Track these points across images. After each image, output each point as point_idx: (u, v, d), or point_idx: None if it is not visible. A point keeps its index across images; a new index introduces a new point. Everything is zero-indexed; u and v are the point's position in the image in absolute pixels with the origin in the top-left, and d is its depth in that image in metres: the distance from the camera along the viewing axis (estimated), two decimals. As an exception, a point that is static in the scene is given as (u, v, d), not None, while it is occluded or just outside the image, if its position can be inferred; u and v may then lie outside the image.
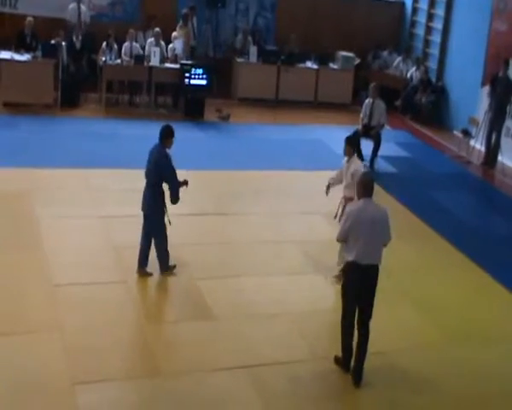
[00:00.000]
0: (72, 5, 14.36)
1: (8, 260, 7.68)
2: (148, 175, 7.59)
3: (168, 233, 7.73)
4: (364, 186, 6.29)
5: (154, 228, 7.69)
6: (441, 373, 6.67)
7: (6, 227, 8.45)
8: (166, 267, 7.80)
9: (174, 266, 7.87)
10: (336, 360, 6.54)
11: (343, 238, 6.35)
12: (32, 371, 5.96)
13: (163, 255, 7.76)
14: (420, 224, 10.09)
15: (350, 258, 6.24)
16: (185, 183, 7.65)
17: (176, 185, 7.54)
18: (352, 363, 6.41)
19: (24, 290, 7.16)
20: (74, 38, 13.87)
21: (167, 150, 7.55)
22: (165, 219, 7.66)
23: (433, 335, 7.32)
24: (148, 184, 7.60)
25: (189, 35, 14.90)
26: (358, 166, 8.10)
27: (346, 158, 8.24)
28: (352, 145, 8.22)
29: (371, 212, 6.23)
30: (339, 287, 7.73)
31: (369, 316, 6.34)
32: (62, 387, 5.82)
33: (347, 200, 7.97)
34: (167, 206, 7.65)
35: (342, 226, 6.32)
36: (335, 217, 8.22)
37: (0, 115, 12.44)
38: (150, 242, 7.73)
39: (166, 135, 7.54)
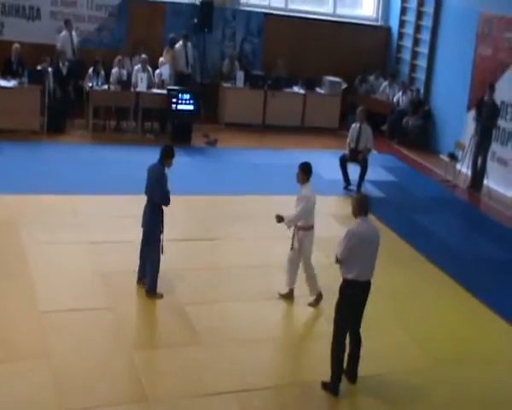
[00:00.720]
0: (64, 33, 14.41)
1: (-6, 287, 7.62)
2: (147, 192, 7.70)
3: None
4: (361, 205, 6.39)
5: (151, 244, 7.74)
6: (433, 395, 6.66)
7: (-8, 254, 8.40)
8: (154, 286, 7.79)
9: (161, 296, 7.84)
10: (324, 385, 6.50)
11: (345, 258, 6.32)
12: (20, 398, 5.89)
13: (154, 272, 7.77)
14: (407, 247, 10.13)
15: (349, 276, 6.32)
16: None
17: (165, 196, 7.60)
18: (345, 368, 6.53)
19: (10, 317, 7.09)
20: (61, 64, 13.90)
21: (166, 170, 7.68)
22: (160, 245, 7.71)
23: (425, 358, 7.30)
24: (148, 200, 7.71)
25: (175, 60, 14.96)
26: (305, 194, 7.75)
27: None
28: (305, 172, 7.78)
29: (369, 230, 6.38)
30: (325, 312, 7.80)
31: (360, 325, 6.54)
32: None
33: (299, 229, 7.85)
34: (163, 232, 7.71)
35: (345, 246, 6.28)
36: (291, 248, 8.01)
37: (-15, 141, 12.40)
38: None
39: (167, 155, 7.70)
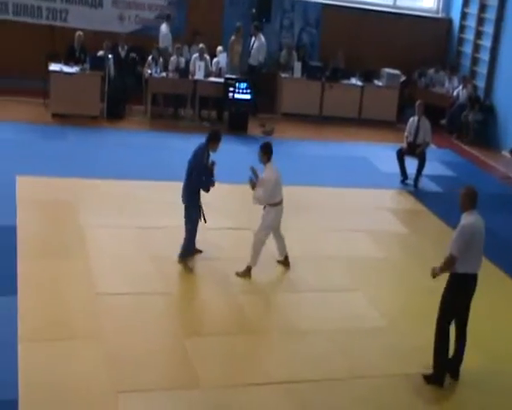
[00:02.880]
0: (164, 28, 14.56)
1: (53, 266, 7.79)
2: (187, 169, 8.00)
3: (210, 247, 7.74)
4: (470, 198, 6.45)
5: (188, 216, 8.04)
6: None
7: (52, 235, 8.60)
8: (185, 256, 8.11)
9: (191, 269, 8.09)
10: (427, 378, 6.55)
11: (461, 254, 6.31)
12: (74, 377, 6.02)
13: (188, 242, 8.07)
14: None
15: (461, 270, 6.36)
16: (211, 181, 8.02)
17: (199, 179, 7.92)
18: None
19: (67, 297, 7.25)
20: (120, 49, 14.08)
21: (210, 152, 7.97)
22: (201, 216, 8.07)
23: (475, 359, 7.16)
24: (186, 175, 8.00)
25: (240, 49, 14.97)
26: (268, 174, 7.91)
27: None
28: (265, 152, 7.96)
29: (479, 223, 6.44)
30: (380, 305, 7.71)
31: (467, 319, 6.61)
32: (104, 394, 5.86)
33: (266, 205, 8.06)
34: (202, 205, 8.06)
35: (461, 242, 6.30)
36: None
37: (48, 126, 12.67)
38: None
39: (213, 138, 7.96)
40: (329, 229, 9.81)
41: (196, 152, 8.04)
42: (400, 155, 12.20)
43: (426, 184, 12.15)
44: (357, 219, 10.24)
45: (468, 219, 6.38)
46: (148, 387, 6.05)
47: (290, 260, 8.60)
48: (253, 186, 8.01)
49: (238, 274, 8.10)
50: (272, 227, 8.20)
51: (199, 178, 7.94)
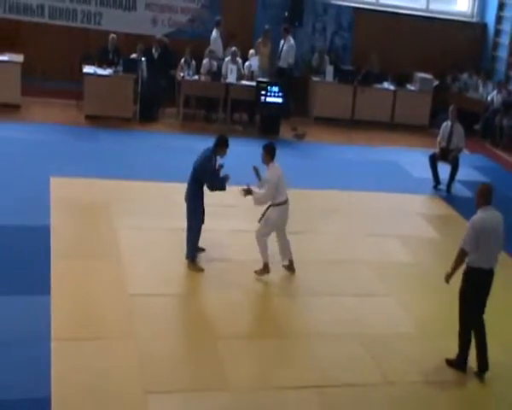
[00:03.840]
0: (215, 33, 14.68)
1: (86, 267, 7.87)
2: (193, 170, 8.13)
3: (241, 249, 7.71)
4: (484, 195, 6.64)
5: (190, 214, 8.12)
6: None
7: (86, 235, 8.69)
8: (192, 254, 8.13)
9: (201, 268, 8.13)
10: (449, 362, 6.81)
11: (471, 248, 6.51)
12: (107, 376, 6.07)
13: (193, 241, 8.12)
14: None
15: (474, 264, 6.55)
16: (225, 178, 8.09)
17: (212, 183, 8.04)
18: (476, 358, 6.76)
19: (100, 298, 7.32)
20: (153, 50, 14.19)
21: (218, 158, 8.09)
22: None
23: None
24: (191, 177, 8.13)
25: (270, 53, 14.99)
26: (270, 174, 7.92)
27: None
28: (268, 152, 7.96)
29: (492, 218, 6.60)
30: (411, 310, 7.64)
31: (484, 312, 6.74)
32: (135, 394, 5.90)
33: (270, 205, 8.04)
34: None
35: (469, 237, 6.50)
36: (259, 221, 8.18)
37: (82, 127, 12.82)
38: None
39: (221, 143, 8.05)
40: (360, 233, 9.75)
41: (203, 157, 8.02)
42: (433, 161, 12.08)
43: (458, 189, 12.02)
44: (388, 224, 10.18)
45: (478, 215, 6.59)
46: (178, 388, 6.08)
47: (320, 263, 8.57)
48: (248, 193, 7.99)
49: (257, 272, 8.12)
50: (275, 226, 8.16)
51: (211, 182, 8.02)
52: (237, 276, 8.20)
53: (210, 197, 8.40)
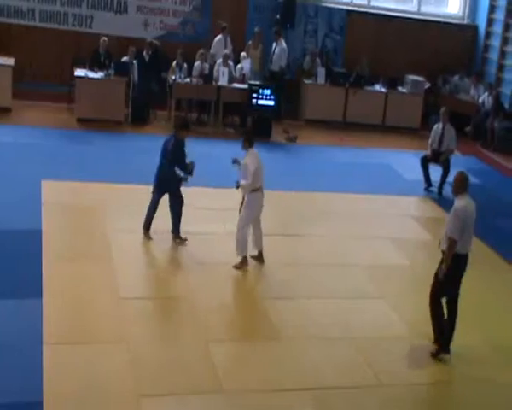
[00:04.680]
0: (219, 37, 14.70)
1: (78, 270, 7.84)
2: (162, 157, 8.58)
3: (232, 252, 7.75)
4: (463, 183, 6.86)
5: (173, 200, 8.52)
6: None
7: (77, 238, 8.65)
8: (178, 232, 8.54)
9: (185, 240, 8.57)
10: (434, 354, 6.96)
11: (459, 236, 6.68)
12: (99, 379, 6.04)
13: (178, 222, 8.56)
14: (489, 252, 9.81)
15: (457, 251, 6.73)
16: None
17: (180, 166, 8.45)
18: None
19: (91, 301, 7.28)
20: (144, 53, 14.17)
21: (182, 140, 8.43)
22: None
23: (505, 370, 7.07)
24: (164, 162, 8.54)
25: (261, 55, 15.00)
26: (250, 158, 8.12)
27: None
28: (247, 138, 8.23)
29: (472, 205, 6.86)
30: (404, 313, 7.65)
31: (458, 296, 7.02)
32: (128, 398, 5.87)
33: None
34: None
35: (456, 225, 6.68)
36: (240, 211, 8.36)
37: (73, 131, 12.78)
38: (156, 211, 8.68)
39: (181, 127, 8.47)
40: (352, 236, 9.76)
41: (167, 142, 8.50)
42: (424, 163, 12.12)
43: (450, 191, 11.91)
44: (380, 226, 10.19)
45: (459, 202, 6.79)
46: (170, 391, 6.05)
47: (312, 266, 8.57)
48: (236, 161, 8.31)
49: (236, 266, 8.22)
50: (256, 211, 8.32)
51: (179, 164, 8.41)
52: (230, 278, 8.18)
53: (204, 201, 8.41)
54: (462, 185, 6.87)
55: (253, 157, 8.21)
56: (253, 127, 14.00)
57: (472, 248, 6.97)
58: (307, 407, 6.10)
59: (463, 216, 6.71)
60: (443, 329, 6.97)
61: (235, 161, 8.38)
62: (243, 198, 8.32)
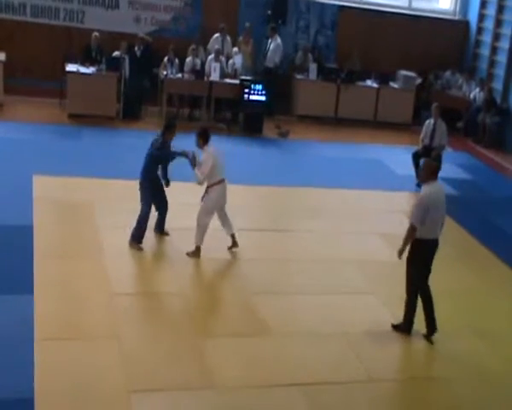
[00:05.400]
0: (217, 36, 14.67)
1: (69, 266, 7.84)
2: (146, 157, 8.51)
3: (225, 248, 7.75)
4: (433, 171, 7.09)
5: (144, 199, 8.44)
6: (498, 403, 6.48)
7: (69, 234, 8.64)
8: (136, 238, 8.36)
9: (140, 248, 8.39)
10: (396, 327, 7.29)
11: (421, 223, 6.91)
12: (90, 375, 6.04)
13: (141, 225, 8.36)
14: (480, 248, 9.85)
15: (424, 236, 6.96)
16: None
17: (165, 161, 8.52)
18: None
19: (83, 297, 7.28)
20: (136, 48, 14.13)
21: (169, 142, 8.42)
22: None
23: (493, 363, 7.11)
24: (144, 164, 8.49)
25: (252, 50, 15.00)
26: (205, 156, 8.22)
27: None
28: (201, 136, 8.31)
29: (439, 192, 7.07)
30: (394, 308, 7.68)
31: (428, 281, 7.22)
32: (118, 394, 5.88)
33: (208, 186, 8.32)
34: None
35: (418, 212, 6.91)
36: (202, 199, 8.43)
37: (65, 126, 12.75)
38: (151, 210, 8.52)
39: (168, 128, 8.45)
40: (343, 231, 9.78)
41: (153, 144, 8.44)
42: (416, 158, 12.11)
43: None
44: (371, 222, 10.22)
45: (425, 189, 7.03)
46: (162, 387, 6.05)
47: (304, 261, 8.59)
48: (194, 160, 8.36)
49: (188, 254, 8.32)
50: (215, 208, 8.40)
51: (166, 161, 8.50)
52: (221, 274, 8.21)
53: (188, 196, 8.42)
54: (432, 173, 7.08)
55: (207, 154, 8.28)
56: (245, 122, 14.04)
57: (442, 232, 7.19)
58: (299, 402, 6.12)
59: (427, 203, 6.93)
60: (412, 316, 7.26)
61: (192, 158, 8.39)
62: (205, 190, 8.41)
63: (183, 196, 9.36)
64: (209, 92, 14.08)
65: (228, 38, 14.86)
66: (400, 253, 7.17)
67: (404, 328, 7.29)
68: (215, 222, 8.51)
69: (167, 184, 8.73)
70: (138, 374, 6.16)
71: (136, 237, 8.38)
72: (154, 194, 8.51)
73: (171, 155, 8.47)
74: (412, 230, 7.00)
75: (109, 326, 6.82)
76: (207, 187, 8.35)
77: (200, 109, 14.39)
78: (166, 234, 8.77)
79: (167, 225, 8.84)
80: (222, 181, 8.36)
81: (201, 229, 8.33)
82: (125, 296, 7.41)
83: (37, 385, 5.78)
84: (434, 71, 16.49)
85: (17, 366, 6.01)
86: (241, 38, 14.99)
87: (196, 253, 8.36)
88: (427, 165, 7.18)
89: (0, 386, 5.73)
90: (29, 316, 6.72)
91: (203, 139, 8.32)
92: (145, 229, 8.43)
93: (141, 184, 8.47)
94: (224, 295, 7.81)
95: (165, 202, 8.69)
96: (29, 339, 6.37)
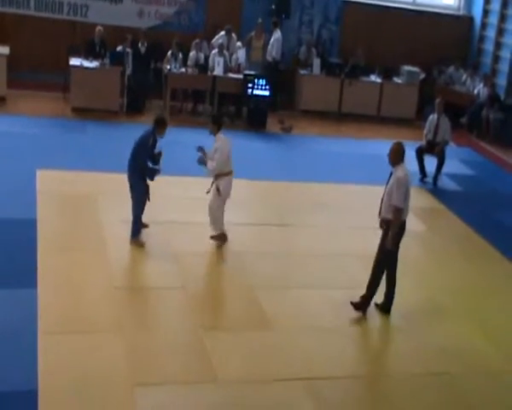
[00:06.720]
0: (222, 34, 14.63)
1: (73, 260, 7.85)
2: (132, 150, 8.29)
3: (228, 242, 7.75)
4: (401, 153, 7.26)
5: (134, 195, 8.28)
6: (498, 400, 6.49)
7: (72, 228, 8.66)
8: (135, 235, 8.29)
9: (143, 243, 8.34)
10: (356, 305, 7.40)
11: (403, 204, 7.15)
12: (94, 368, 6.07)
13: (136, 221, 8.29)
14: (484, 244, 9.84)
15: (402, 217, 7.23)
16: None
17: (143, 168, 8.19)
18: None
19: (86, 291, 7.30)
20: (140, 44, 14.13)
21: (157, 138, 8.24)
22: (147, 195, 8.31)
23: (495, 359, 7.12)
24: (130, 157, 8.25)
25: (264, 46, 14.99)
26: (220, 143, 8.20)
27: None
28: (215, 122, 8.30)
29: (409, 173, 7.31)
30: (399, 303, 7.69)
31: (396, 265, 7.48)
32: (122, 387, 5.90)
33: (217, 176, 8.27)
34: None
35: (402, 192, 7.10)
36: (207, 192, 8.41)
37: (68, 120, 12.76)
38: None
39: (159, 124, 8.25)
40: (347, 226, 9.79)
41: (142, 136, 8.23)
42: (419, 153, 12.14)
43: (445, 182, 12.09)
44: (375, 217, 10.17)
45: (400, 172, 7.20)
46: (165, 380, 6.08)
47: (308, 256, 8.59)
48: (203, 162, 8.30)
49: (213, 238, 8.42)
50: (227, 195, 8.41)
51: (145, 163, 8.18)
52: (223, 268, 8.21)
53: (195, 190, 8.41)
54: (401, 155, 7.24)
55: (222, 141, 8.26)
56: (249, 117, 14.04)
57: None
58: (301, 396, 6.13)
59: (405, 184, 7.13)
60: (373, 294, 7.43)
61: (199, 149, 8.41)
62: (213, 181, 8.38)
63: (185, 189, 9.39)
64: (213, 87, 14.07)
65: (234, 36, 14.81)
66: (393, 239, 7.22)
67: (363, 306, 7.43)
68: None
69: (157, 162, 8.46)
70: (142, 367, 6.19)
71: (136, 233, 8.36)
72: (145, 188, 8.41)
73: (151, 156, 8.29)
74: (398, 212, 7.15)
75: (113, 319, 6.85)
76: (216, 177, 8.31)
77: (204, 104, 14.38)
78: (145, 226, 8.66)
79: (172, 218, 8.80)
80: (230, 173, 8.38)
81: (219, 219, 8.37)
82: (128, 290, 7.44)
83: (41, 378, 5.81)
84: (438, 66, 16.46)
85: (22, 360, 6.04)
86: (252, 34, 14.93)
87: (222, 237, 8.43)
88: (396, 148, 7.30)
89: (4, 379, 5.77)
90: (33, 309, 6.75)
91: (217, 125, 8.31)
92: (141, 224, 8.42)
93: (130, 181, 8.38)
94: (227, 289, 7.82)
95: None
96: (33, 332, 6.40)
